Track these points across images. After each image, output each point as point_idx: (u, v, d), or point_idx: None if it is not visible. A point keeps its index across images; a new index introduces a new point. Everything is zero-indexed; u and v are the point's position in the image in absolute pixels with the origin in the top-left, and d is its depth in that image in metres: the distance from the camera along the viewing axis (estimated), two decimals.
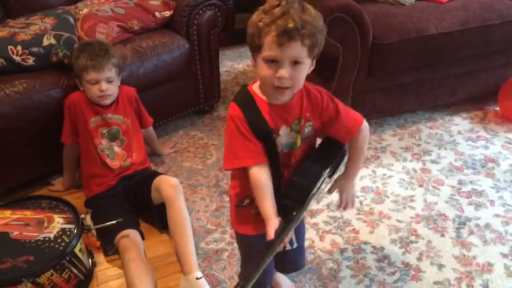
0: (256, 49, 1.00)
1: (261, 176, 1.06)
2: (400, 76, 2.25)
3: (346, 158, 1.25)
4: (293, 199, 1.07)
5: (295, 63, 0.98)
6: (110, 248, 1.70)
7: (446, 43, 2.18)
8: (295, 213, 1.05)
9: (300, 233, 1.38)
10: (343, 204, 1.32)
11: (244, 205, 1.21)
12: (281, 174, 1.12)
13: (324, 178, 1.19)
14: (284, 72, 0.98)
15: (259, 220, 1.07)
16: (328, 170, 1.16)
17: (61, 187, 2.02)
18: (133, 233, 1.69)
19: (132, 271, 1.55)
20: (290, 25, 0.93)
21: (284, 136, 1.11)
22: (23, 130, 1.85)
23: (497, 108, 2.54)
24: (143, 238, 1.76)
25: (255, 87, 1.10)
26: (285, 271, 1.55)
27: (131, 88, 1.94)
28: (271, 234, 0.98)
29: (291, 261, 1.45)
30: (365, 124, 1.16)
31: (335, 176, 1.30)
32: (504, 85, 2.42)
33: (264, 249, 0.96)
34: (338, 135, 1.15)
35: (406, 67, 2.22)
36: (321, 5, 1.96)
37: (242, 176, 1.13)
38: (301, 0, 0.98)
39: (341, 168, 1.29)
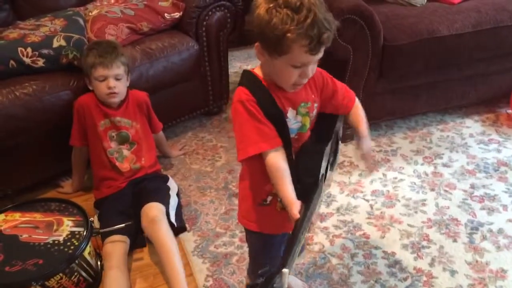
0: (278, 52, 0.96)
1: (278, 160, 1.02)
2: (411, 78, 2.23)
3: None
4: (305, 181, 1.04)
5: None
6: None
7: (458, 45, 2.15)
8: (313, 193, 1.02)
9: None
10: (368, 163, 1.23)
11: (268, 203, 1.17)
12: (291, 153, 1.09)
13: (330, 156, 1.17)
14: (311, 71, 1.00)
15: (284, 216, 1.04)
16: (329, 145, 1.13)
17: (70, 189, 2.02)
18: (120, 241, 1.66)
19: (107, 279, 1.55)
20: (325, 35, 0.92)
21: (291, 119, 1.09)
22: (32, 132, 1.86)
23: (510, 111, 2.50)
24: (144, 245, 1.76)
25: (258, 71, 1.07)
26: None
27: (143, 92, 1.93)
28: (296, 214, 0.95)
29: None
30: (356, 99, 1.22)
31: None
32: None
33: (294, 232, 0.93)
34: (334, 111, 1.19)
35: (417, 69, 2.19)
36: (331, 7, 1.92)
37: (257, 169, 1.08)
38: None
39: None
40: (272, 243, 1.27)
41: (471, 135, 2.37)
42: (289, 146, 1.07)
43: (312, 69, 1.01)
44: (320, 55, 0.97)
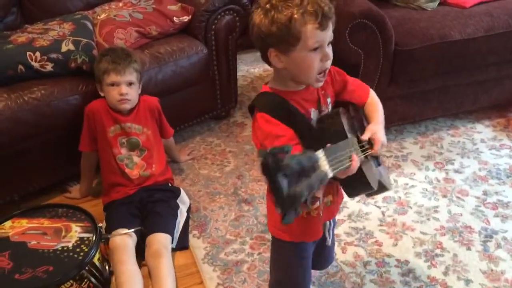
0: (291, 44, 0.97)
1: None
2: (422, 83, 2.20)
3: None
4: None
5: (329, 43, 1.00)
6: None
7: (470, 49, 2.12)
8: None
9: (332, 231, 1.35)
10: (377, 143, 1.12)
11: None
12: None
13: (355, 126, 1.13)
14: (330, 52, 1.00)
15: (313, 222, 1.09)
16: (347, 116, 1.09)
17: (78, 194, 2.00)
18: (127, 234, 1.65)
19: (122, 275, 1.54)
20: (326, 7, 0.95)
21: (315, 119, 1.09)
22: (41, 137, 1.84)
23: None
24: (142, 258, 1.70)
25: (272, 85, 1.08)
26: (320, 267, 1.51)
27: (154, 98, 1.91)
28: None
29: (326, 257, 1.43)
30: (372, 92, 1.20)
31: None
32: None
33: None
34: (349, 98, 1.18)
35: (429, 73, 2.16)
36: (343, 11, 1.92)
37: None
38: None
39: None
40: (304, 256, 1.25)
41: (482, 141, 2.34)
42: (315, 147, 1.04)
43: (329, 50, 1.00)
44: (330, 32, 0.99)
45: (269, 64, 1.04)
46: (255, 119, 1.05)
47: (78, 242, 1.53)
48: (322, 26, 0.95)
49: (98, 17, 2.10)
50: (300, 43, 0.96)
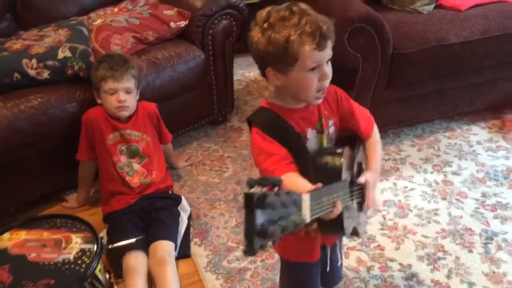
0: (288, 64, 0.96)
1: (290, 179, 0.96)
2: (420, 86, 2.21)
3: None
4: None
5: (328, 60, 0.99)
6: (119, 269, 1.64)
7: (466, 52, 2.13)
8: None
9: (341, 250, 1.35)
10: (369, 201, 1.12)
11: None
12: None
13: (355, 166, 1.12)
14: (328, 71, 0.99)
15: (311, 242, 1.07)
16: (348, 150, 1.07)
17: (75, 203, 1.97)
18: (140, 256, 1.63)
19: None
20: (324, 27, 0.94)
21: (312, 140, 1.08)
22: (37, 146, 1.81)
23: None
24: None
25: (272, 101, 1.08)
26: (328, 286, 1.50)
27: (152, 103, 1.89)
28: (310, 187, 0.89)
29: (334, 277, 1.41)
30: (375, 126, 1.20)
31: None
32: None
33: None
34: (354, 128, 1.17)
35: (426, 76, 2.17)
36: (341, 15, 1.92)
37: None
38: (299, 4, 0.97)
39: None
40: (307, 277, 1.24)
41: (478, 142, 2.36)
42: (308, 167, 1.04)
43: (328, 69, 0.99)
44: (329, 51, 0.97)
45: (268, 81, 1.03)
46: (252, 133, 1.06)
47: (80, 254, 1.50)
48: (320, 47, 0.94)
49: (94, 23, 2.08)
50: (298, 63, 0.95)
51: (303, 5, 0.97)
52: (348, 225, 1.02)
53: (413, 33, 2.12)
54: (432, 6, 2.35)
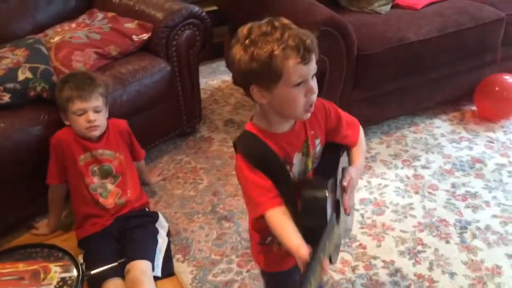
0: (273, 81, 0.94)
1: (276, 218, 1.01)
2: (384, 85, 2.27)
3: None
4: (311, 221, 1.01)
5: (313, 75, 0.98)
6: None
7: (425, 49, 2.21)
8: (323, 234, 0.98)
9: None
10: (346, 207, 1.14)
11: (267, 243, 1.17)
12: (298, 204, 1.06)
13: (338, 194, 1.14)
14: (314, 86, 0.98)
15: (286, 253, 1.02)
16: (331, 180, 1.09)
17: (47, 229, 1.87)
18: (119, 284, 1.57)
19: None
20: (308, 40, 0.93)
21: (297, 163, 1.08)
22: (2, 172, 1.70)
23: (474, 108, 2.61)
24: None
25: (256, 123, 1.06)
26: None
27: (122, 120, 1.83)
28: (304, 255, 0.92)
29: None
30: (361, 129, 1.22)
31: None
32: (480, 86, 2.49)
33: (304, 275, 0.89)
34: (341, 141, 1.17)
35: (390, 75, 2.24)
36: (307, 20, 1.94)
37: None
38: (280, 19, 0.96)
39: None
40: (282, 280, 1.24)
41: (442, 135, 2.45)
42: (292, 194, 1.04)
43: (314, 83, 0.98)
44: (314, 65, 0.96)
45: (253, 100, 1.01)
46: (237, 159, 1.05)
47: (61, 284, 1.44)
48: (304, 60, 0.92)
49: (52, 40, 1.99)
50: (283, 79, 0.93)
51: (285, 20, 0.96)
52: (330, 245, 1.02)
53: (374, 34, 2.17)
54: (389, 6, 2.42)
